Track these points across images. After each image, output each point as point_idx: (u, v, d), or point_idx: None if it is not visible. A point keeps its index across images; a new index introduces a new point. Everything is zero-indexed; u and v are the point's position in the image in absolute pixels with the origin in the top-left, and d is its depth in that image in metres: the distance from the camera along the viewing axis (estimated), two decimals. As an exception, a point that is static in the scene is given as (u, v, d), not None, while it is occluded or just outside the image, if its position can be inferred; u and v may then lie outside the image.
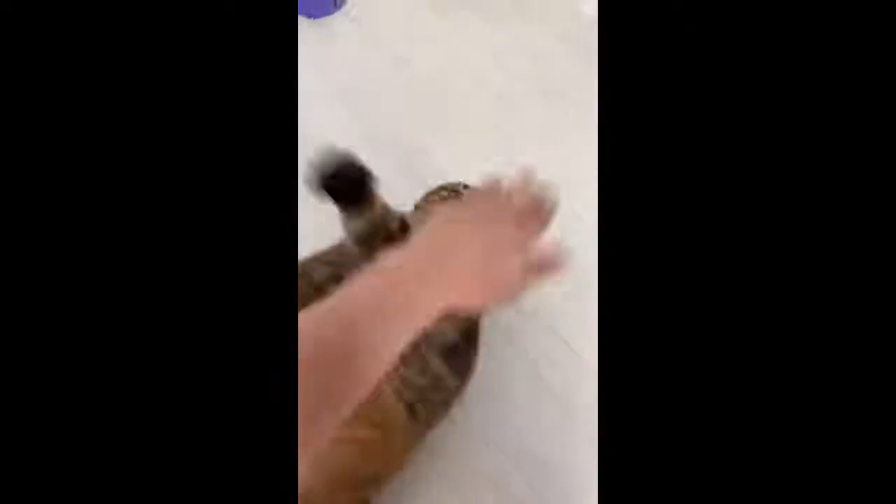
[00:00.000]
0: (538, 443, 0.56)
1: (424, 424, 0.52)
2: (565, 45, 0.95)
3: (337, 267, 0.54)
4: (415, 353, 0.51)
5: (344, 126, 0.84)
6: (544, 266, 0.37)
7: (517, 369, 0.60)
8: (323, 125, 0.83)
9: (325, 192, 0.46)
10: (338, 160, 0.46)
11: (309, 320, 0.30)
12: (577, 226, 0.71)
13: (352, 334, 0.30)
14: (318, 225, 0.57)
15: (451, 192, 0.63)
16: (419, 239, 0.35)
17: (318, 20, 1.01)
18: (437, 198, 0.63)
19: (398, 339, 0.32)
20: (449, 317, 0.37)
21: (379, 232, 0.52)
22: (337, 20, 1.01)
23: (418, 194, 0.66)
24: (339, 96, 0.88)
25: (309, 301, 0.30)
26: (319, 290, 0.52)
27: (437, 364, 0.51)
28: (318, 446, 0.28)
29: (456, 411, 0.58)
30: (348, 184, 0.46)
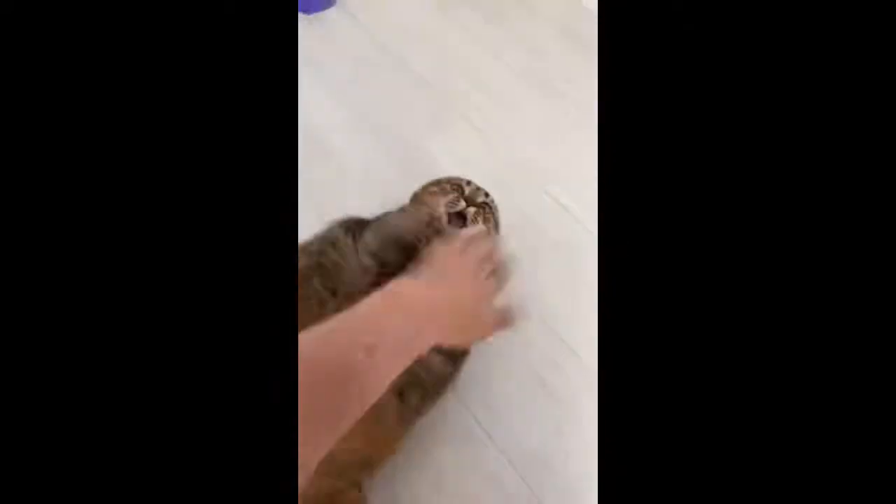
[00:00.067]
0: (538, 443, 0.56)
1: (414, 411, 0.52)
2: (567, 43, 0.95)
3: (318, 256, 0.54)
4: None
5: (339, 122, 0.84)
6: (502, 321, 0.48)
7: (517, 369, 0.60)
8: (320, 123, 0.83)
9: None
10: None
11: (311, 340, 0.32)
12: (576, 226, 0.72)
13: (352, 356, 0.34)
14: (309, 225, 0.57)
15: (454, 187, 0.62)
16: (419, 286, 0.42)
17: (313, 15, 1.00)
18: (437, 189, 0.62)
19: (398, 367, 0.37)
20: None
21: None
22: (333, 15, 1.01)
23: (416, 192, 0.65)
24: (335, 92, 0.88)
25: None
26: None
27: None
28: (316, 461, 0.30)
29: (456, 411, 0.58)
30: None
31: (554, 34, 0.97)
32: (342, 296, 0.50)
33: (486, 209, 0.61)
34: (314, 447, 0.30)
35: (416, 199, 0.63)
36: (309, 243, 0.56)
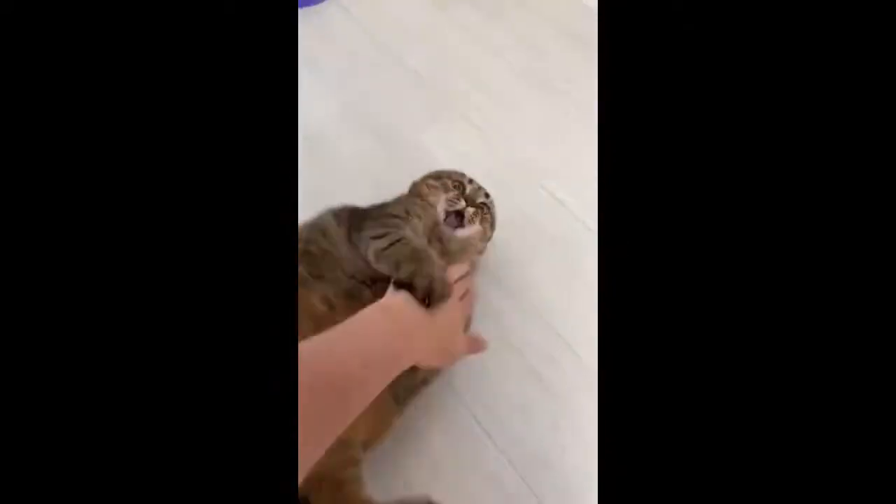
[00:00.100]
0: (537, 442, 0.56)
1: (409, 391, 0.54)
2: (567, 42, 0.95)
3: (306, 244, 0.54)
4: None
5: (334, 119, 0.84)
6: (474, 345, 0.54)
7: (517, 369, 0.61)
8: (318, 118, 0.83)
9: None
10: None
11: (314, 350, 0.37)
12: (576, 225, 0.72)
13: (351, 367, 0.38)
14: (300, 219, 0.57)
15: (455, 184, 0.61)
16: (410, 304, 0.46)
17: (309, 8, 0.99)
18: (437, 184, 0.61)
19: (387, 380, 0.42)
20: None
21: None
22: (329, 9, 1.00)
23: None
24: (332, 88, 0.88)
25: None
26: None
27: None
28: (316, 459, 0.33)
29: (454, 410, 0.58)
30: None
31: (554, 33, 0.97)
32: (329, 281, 0.52)
33: (485, 209, 0.61)
34: (314, 447, 0.33)
35: (415, 190, 0.63)
36: (301, 228, 0.56)
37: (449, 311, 0.49)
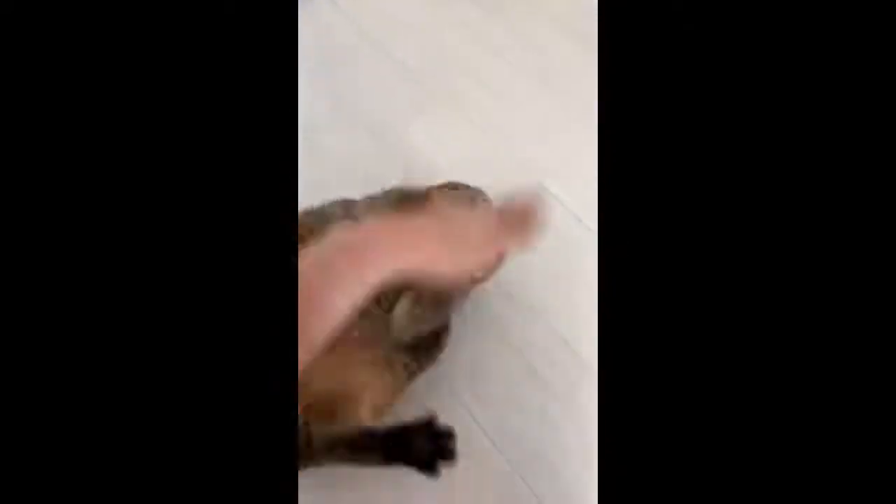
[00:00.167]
0: (538, 442, 0.56)
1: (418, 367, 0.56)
2: (567, 39, 0.94)
3: (308, 235, 0.54)
4: None
5: (330, 116, 0.83)
6: (517, 222, 0.40)
7: (517, 369, 0.60)
8: (314, 116, 0.83)
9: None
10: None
11: (307, 254, 0.32)
12: (576, 224, 0.71)
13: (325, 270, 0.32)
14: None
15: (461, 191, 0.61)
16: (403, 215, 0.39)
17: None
18: (452, 194, 0.61)
19: (377, 274, 0.34)
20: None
21: None
22: (324, 6, 0.99)
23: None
24: (330, 85, 0.88)
25: None
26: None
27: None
28: (310, 348, 0.29)
29: (455, 411, 0.58)
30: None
31: (554, 31, 0.96)
32: None
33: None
34: (307, 333, 0.29)
35: (428, 197, 0.61)
36: (304, 214, 0.56)
37: (461, 211, 0.42)
